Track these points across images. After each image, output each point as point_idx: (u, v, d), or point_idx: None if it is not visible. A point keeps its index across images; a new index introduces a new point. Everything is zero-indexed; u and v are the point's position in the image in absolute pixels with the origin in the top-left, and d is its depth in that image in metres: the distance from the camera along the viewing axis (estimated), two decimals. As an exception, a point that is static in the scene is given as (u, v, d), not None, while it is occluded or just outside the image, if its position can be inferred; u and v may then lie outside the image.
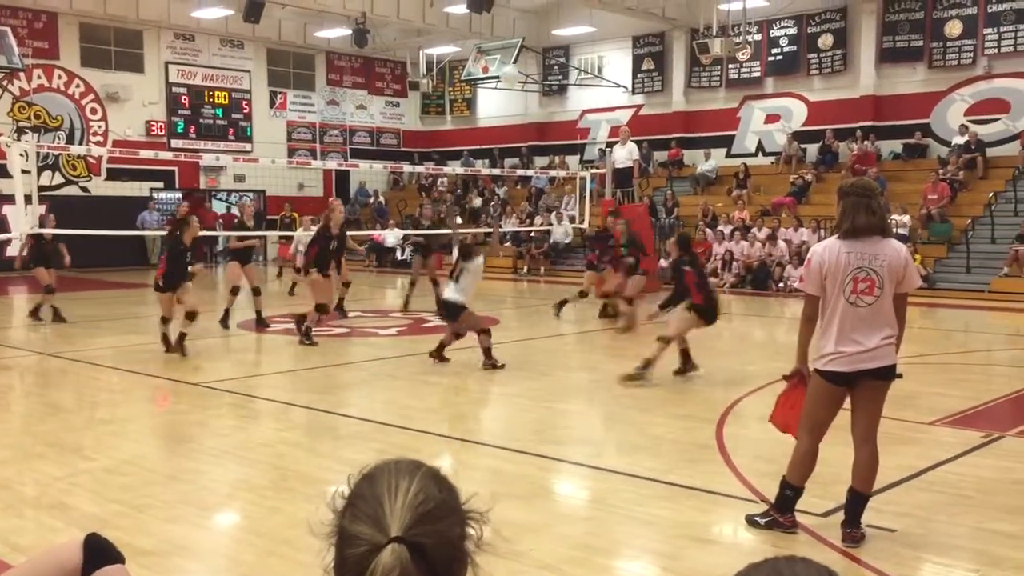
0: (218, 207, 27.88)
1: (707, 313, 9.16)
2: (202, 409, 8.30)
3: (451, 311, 9.78)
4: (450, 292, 9.77)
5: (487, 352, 9.76)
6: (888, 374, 4.66)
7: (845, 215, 4.64)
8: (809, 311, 4.79)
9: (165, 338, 10.78)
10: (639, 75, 26.55)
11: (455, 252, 10.37)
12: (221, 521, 5.39)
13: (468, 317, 9.78)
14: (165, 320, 10.86)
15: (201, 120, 26.75)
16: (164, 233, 11.23)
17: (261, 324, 13.10)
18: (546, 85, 28.26)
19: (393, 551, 1.15)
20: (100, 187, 24.51)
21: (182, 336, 10.61)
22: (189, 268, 10.94)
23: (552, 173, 25.03)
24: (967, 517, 5.09)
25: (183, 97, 26.42)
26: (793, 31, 23.54)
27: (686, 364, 9.40)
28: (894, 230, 18.84)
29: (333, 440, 7.10)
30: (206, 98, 26.84)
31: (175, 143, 25.59)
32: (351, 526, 1.20)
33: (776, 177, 23.08)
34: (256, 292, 13.32)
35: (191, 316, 10.65)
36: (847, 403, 4.77)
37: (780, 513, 4.82)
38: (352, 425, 7.57)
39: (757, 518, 4.90)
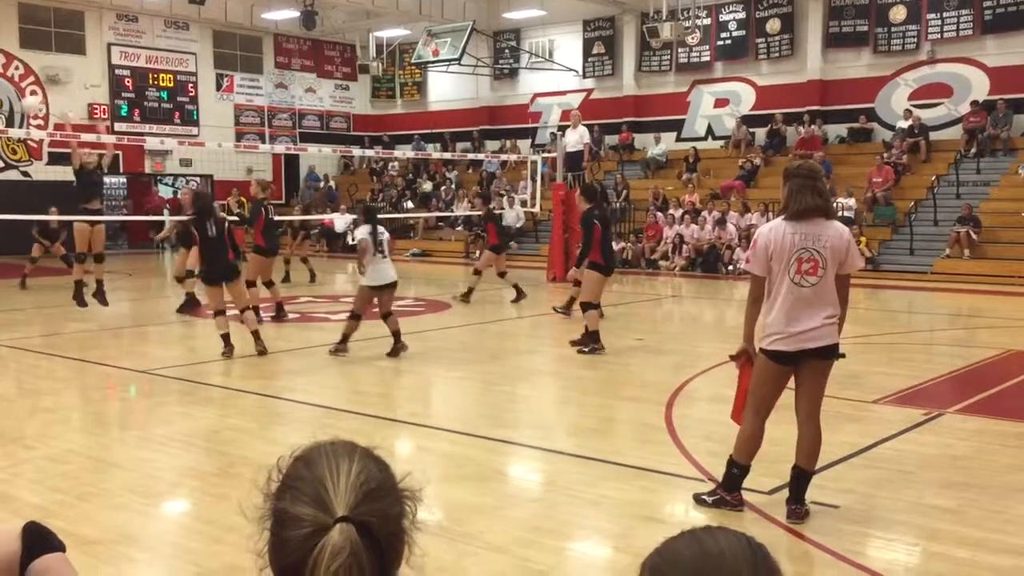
0: (164, 192, 27.45)
1: (606, 269, 9.81)
2: (148, 396, 8.19)
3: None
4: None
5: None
6: (830, 353, 4.73)
7: (791, 197, 4.70)
8: (755, 292, 4.85)
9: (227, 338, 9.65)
10: (590, 59, 26.58)
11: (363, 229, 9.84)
12: (167, 509, 5.32)
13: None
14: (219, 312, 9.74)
15: (146, 103, 26.23)
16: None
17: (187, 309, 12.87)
18: (497, 69, 28.17)
19: (342, 531, 1.15)
20: (41, 172, 23.94)
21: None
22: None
23: (503, 157, 25.01)
24: (908, 492, 5.20)
25: (127, 80, 25.88)
26: (742, 16, 23.72)
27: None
28: (840, 213, 19.21)
29: (282, 426, 7.04)
30: (150, 81, 26.31)
31: (119, 126, 25.05)
32: (292, 508, 1.18)
33: (726, 161, 23.30)
34: (190, 274, 12.71)
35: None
36: (792, 383, 4.84)
37: (727, 491, 4.89)
38: (302, 410, 7.51)
39: (705, 497, 4.96)
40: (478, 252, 16.18)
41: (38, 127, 23.08)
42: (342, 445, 1.27)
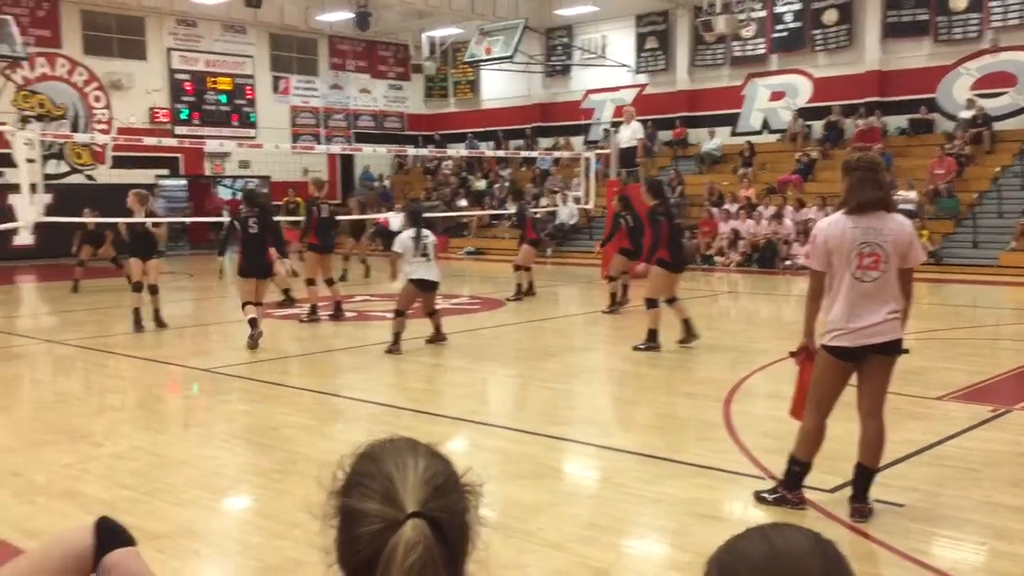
0: (224, 193, 27.93)
1: (674, 267, 9.79)
2: (210, 394, 8.34)
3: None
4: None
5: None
6: (894, 349, 4.65)
7: (852, 190, 4.62)
8: (815, 287, 4.78)
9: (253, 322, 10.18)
10: (643, 54, 26.41)
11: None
12: (231, 505, 5.42)
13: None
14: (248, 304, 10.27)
15: (204, 106, 26.71)
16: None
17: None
18: (549, 66, 28.13)
19: (415, 526, 1.15)
20: (105, 175, 24.51)
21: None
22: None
23: (556, 154, 24.98)
24: (974, 491, 5.10)
25: (186, 84, 26.37)
26: (797, 7, 23.38)
27: (688, 334, 9.78)
28: (901, 206, 18.86)
29: (341, 423, 7.13)
30: (209, 84, 26.78)
31: (179, 130, 25.56)
32: (361, 504, 1.19)
33: (781, 155, 22.99)
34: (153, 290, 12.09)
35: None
36: (854, 379, 4.76)
37: (788, 490, 4.83)
38: (359, 408, 7.60)
39: (765, 495, 4.91)
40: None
41: (102, 131, 23.66)
42: (404, 441, 1.28)
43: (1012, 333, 11.57)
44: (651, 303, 9.73)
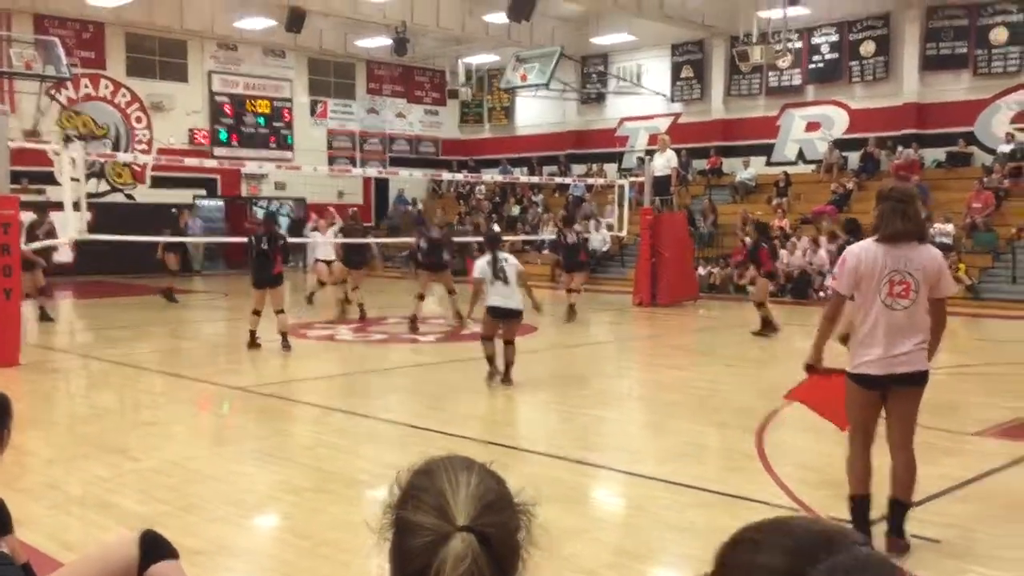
0: (260, 214, 28.23)
1: (775, 276, 10.73)
2: (244, 412, 8.42)
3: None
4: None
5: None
6: (921, 380, 4.63)
7: (883, 219, 4.65)
8: (832, 310, 4.80)
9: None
10: (678, 83, 26.47)
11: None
12: (264, 522, 5.46)
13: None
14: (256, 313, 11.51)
15: (243, 128, 27.08)
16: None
17: None
18: (584, 93, 28.26)
19: (463, 540, 1.18)
20: (144, 194, 24.90)
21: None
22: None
23: (590, 181, 25.03)
24: (1011, 528, 5.03)
25: (226, 106, 26.78)
26: (834, 38, 23.34)
27: (766, 327, 12.16)
28: (937, 239, 18.67)
29: (373, 444, 7.17)
30: (248, 107, 27.18)
31: (218, 151, 25.93)
32: (414, 517, 1.22)
33: (817, 186, 22.88)
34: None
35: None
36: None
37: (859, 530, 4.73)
38: (392, 429, 7.63)
39: None
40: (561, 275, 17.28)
41: (143, 151, 24.07)
42: (460, 459, 1.31)
43: (1051, 370, 11.38)
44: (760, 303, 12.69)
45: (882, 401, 4.69)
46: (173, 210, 17.02)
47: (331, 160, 28.69)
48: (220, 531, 4.98)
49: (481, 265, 9.06)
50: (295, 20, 22.55)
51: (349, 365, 10.90)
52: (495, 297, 8.93)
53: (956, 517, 5.17)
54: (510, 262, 9.02)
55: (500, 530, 1.22)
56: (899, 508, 4.67)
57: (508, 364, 9.13)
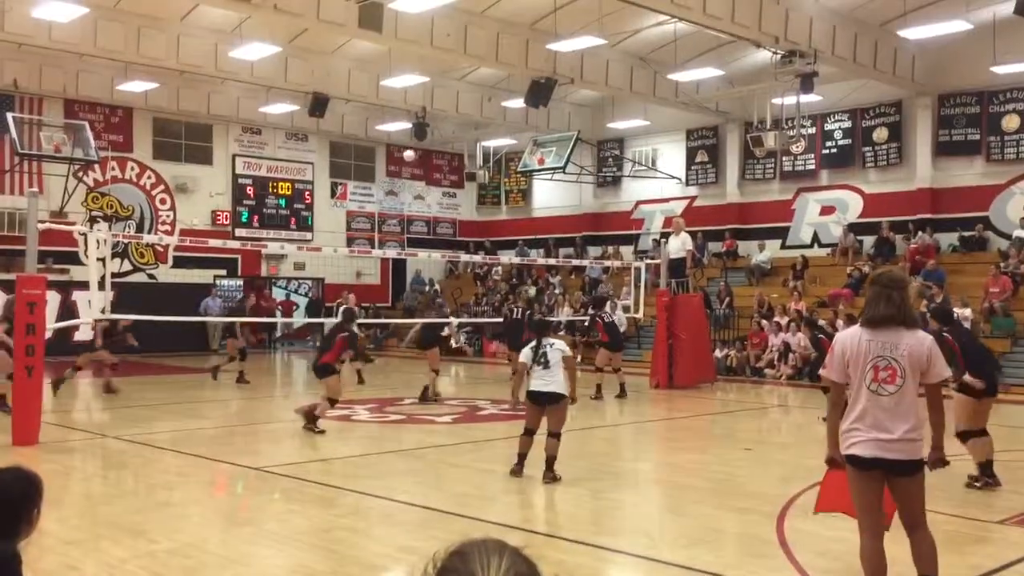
0: (278, 294, 28.49)
1: (981, 392, 8.42)
2: (261, 493, 8.40)
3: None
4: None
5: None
6: (915, 470, 4.60)
7: (868, 304, 4.75)
8: (834, 398, 4.86)
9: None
10: (693, 167, 26.82)
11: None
12: (280, 606, 5.42)
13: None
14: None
15: (265, 210, 27.53)
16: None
17: None
18: (600, 176, 28.66)
19: None
20: (165, 274, 25.21)
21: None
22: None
23: (606, 263, 25.19)
24: (1041, 620, 4.93)
25: (248, 188, 27.28)
26: (847, 124, 23.69)
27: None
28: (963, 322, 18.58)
29: (390, 527, 7.13)
30: (270, 189, 27.67)
31: (239, 232, 26.32)
32: None
33: (832, 268, 22.95)
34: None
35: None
36: None
37: None
38: (409, 512, 7.59)
39: None
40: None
41: (166, 232, 24.44)
42: (494, 542, 1.35)
43: (1075, 456, 11.22)
44: (966, 435, 8.36)
45: (883, 486, 4.66)
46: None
47: (350, 241, 29.06)
48: (237, 614, 4.95)
49: (526, 351, 8.82)
50: (318, 105, 23.12)
51: (366, 446, 10.88)
52: (535, 381, 8.62)
53: (982, 608, 5.08)
54: (555, 347, 8.69)
55: None
56: (930, 585, 4.60)
57: (549, 459, 8.58)
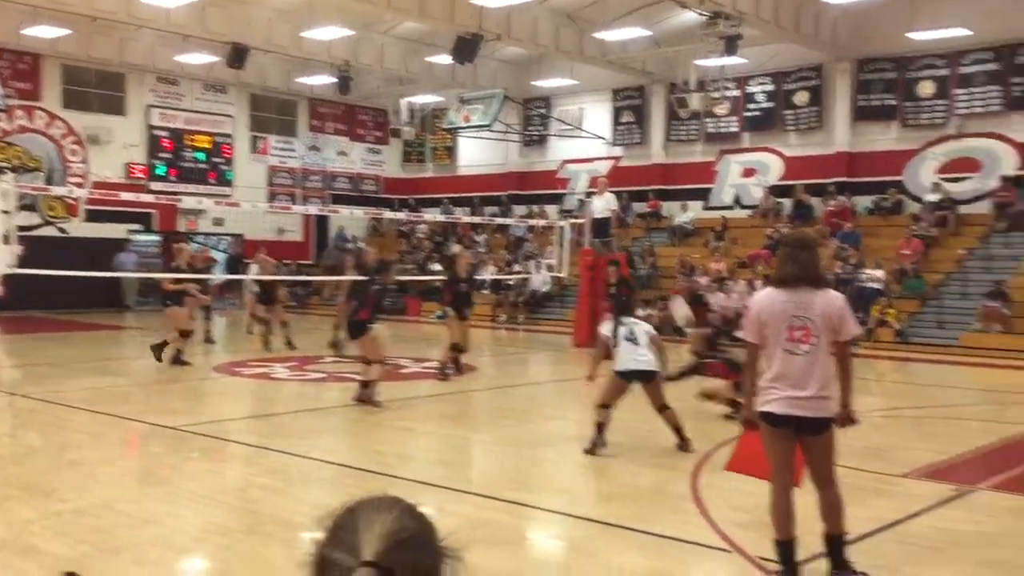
0: (196, 250, 27.82)
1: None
2: (175, 452, 8.25)
3: None
4: None
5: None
6: (825, 427, 4.73)
7: (778, 265, 4.84)
8: (750, 359, 4.92)
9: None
10: (619, 127, 26.91)
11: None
12: (194, 565, 5.35)
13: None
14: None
15: (182, 163, 26.79)
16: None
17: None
18: (527, 135, 28.58)
19: (362, 574, 1.21)
20: (77, 228, 24.41)
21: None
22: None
23: (531, 222, 25.23)
24: (938, 569, 5.14)
25: (164, 140, 26.49)
26: (770, 88, 24.00)
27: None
28: (868, 284, 19.15)
29: (307, 485, 7.07)
30: (187, 142, 26.92)
31: (155, 186, 25.58)
32: (328, 553, 1.26)
33: (753, 230, 23.36)
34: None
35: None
36: None
37: (784, 573, 4.78)
38: (326, 470, 7.54)
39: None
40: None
41: (77, 185, 23.62)
42: (388, 499, 1.34)
43: (974, 413, 11.70)
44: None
45: (795, 443, 4.78)
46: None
47: (271, 196, 28.50)
48: (147, 575, 4.86)
49: (606, 331, 8.45)
50: (237, 56, 22.47)
51: (284, 404, 10.76)
52: (619, 360, 8.21)
53: (884, 558, 5.27)
54: (640, 326, 8.36)
55: (409, 568, 1.24)
56: (835, 541, 4.76)
57: (676, 427, 8.30)
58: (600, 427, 8.18)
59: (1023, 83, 20.41)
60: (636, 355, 8.14)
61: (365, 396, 10.03)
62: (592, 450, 8.06)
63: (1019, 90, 20.47)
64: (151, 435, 8.84)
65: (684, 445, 8.21)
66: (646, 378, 8.22)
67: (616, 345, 8.23)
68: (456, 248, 15.36)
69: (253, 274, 17.34)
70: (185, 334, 13.68)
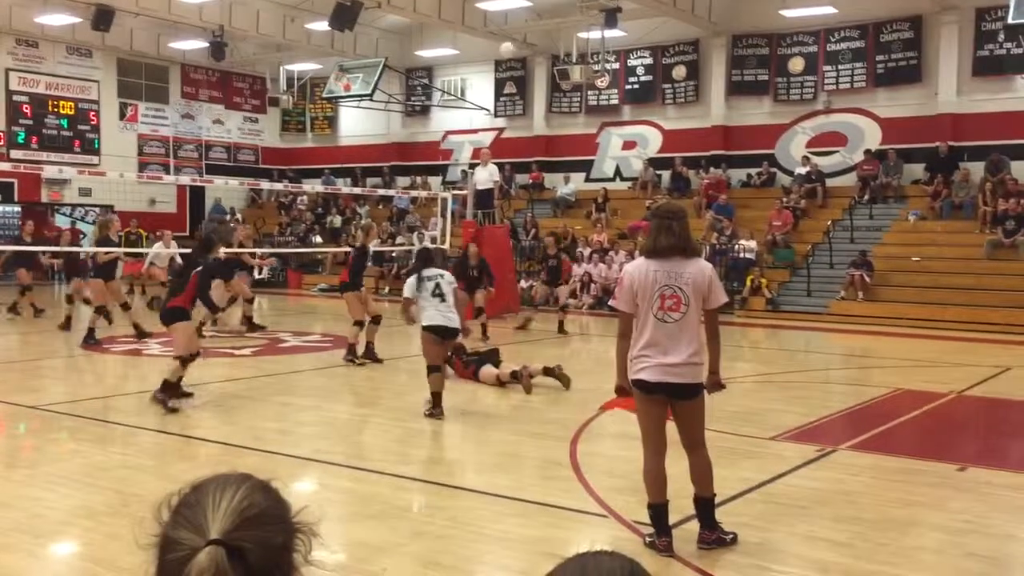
0: (62, 221, 26.57)
1: None
2: (39, 433, 7.89)
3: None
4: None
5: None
6: (695, 393, 4.87)
7: (650, 236, 4.94)
8: (623, 327, 5.00)
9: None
10: (501, 98, 26.90)
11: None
12: (57, 549, 5.13)
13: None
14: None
15: (44, 131, 25.47)
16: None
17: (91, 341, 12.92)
18: (409, 105, 28.28)
19: (209, 552, 1.17)
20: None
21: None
22: None
23: (414, 193, 25.03)
24: (802, 526, 5.36)
25: (24, 106, 25.10)
26: (649, 61, 24.37)
27: None
28: (741, 254, 19.75)
29: (181, 463, 6.87)
30: (50, 108, 25.59)
31: (15, 154, 24.24)
32: (173, 532, 1.22)
33: (633, 202, 23.78)
34: (125, 308, 14.10)
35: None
36: None
37: (657, 536, 4.89)
38: (203, 447, 7.35)
39: (647, 538, 4.95)
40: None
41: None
42: (236, 476, 1.29)
43: (840, 377, 12.27)
44: None
45: (667, 409, 4.90)
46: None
47: (142, 166, 27.41)
48: (8, 560, 4.65)
49: (409, 282, 8.55)
50: (102, 18, 21.43)
51: (157, 381, 10.39)
52: (430, 315, 8.34)
53: (751, 517, 5.46)
54: (446, 278, 8.53)
55: (259, 545, 1.20)
56: (704, 503, 4.91)
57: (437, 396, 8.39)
58: (435, 395, 8.33)
59: (887, 60, 21.33)
60: (444, 311, 8.39)
61: (160, 397, 8.53)
62: (431, 414, 8.27)
63: (883, 67, 21.38)
64: (10, 415, 8.42)
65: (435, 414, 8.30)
66: (451, 335, 8.58)
67: (424, 299, 8.42)
68: (365, 220, 15.55)
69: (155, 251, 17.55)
70: (100, 310, 13.17)
